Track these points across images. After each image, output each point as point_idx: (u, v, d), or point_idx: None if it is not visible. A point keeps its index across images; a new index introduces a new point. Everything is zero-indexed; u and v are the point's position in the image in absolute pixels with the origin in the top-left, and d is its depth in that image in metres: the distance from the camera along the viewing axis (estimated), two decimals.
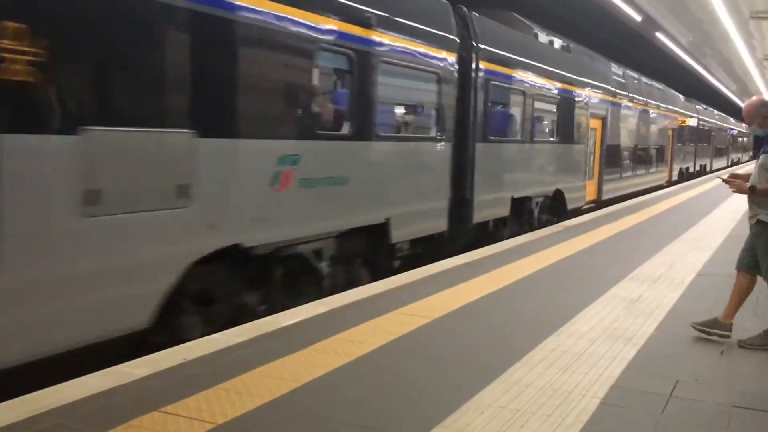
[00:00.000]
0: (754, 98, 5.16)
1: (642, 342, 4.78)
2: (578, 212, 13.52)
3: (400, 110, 8.58)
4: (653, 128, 20.89)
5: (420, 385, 3.87)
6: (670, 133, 23.48)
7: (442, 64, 8.51)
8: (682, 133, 26.23)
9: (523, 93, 11.06)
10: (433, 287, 6.28)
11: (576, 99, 13.52)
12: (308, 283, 6.48)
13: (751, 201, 4.97)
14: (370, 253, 7.45)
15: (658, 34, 19.01)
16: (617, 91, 16.73)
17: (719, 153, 38.61)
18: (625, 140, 17.61)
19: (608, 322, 5.28)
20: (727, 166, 39.94)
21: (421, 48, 7.99)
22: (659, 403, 3.69)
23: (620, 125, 17.12)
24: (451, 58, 8.74)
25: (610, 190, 16.30)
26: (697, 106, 30.58)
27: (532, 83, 11.38)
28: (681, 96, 26.95)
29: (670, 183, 23.67)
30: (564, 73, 13.01)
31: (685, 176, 26.78)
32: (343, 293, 6.10)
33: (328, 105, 6.90)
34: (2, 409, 3.37)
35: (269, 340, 4.65)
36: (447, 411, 3.47)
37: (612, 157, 16.44)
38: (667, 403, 3.68)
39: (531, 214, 11.61)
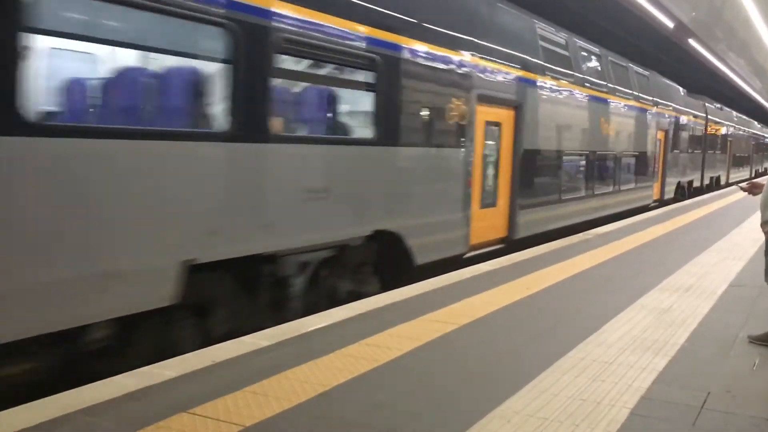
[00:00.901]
0: None
1: (672, 353, 4.70)
2: (453, 265, 7.89)
3: None
4: (628, 129, 14.90)
5: (446, 392, 3.86)
6: (660, 136, 17.34)
7: None
8: (681, 137, 19.67)
9: (232, 30, 5.01)
10: (460, 294, 6.27)
11: (431, 65, 7.64)
12: None
13: (764, 206, 4.95)
14: None
15: (691, 41, 18.79)
16: (549, 66, 10.83)
17: (739, 162, 32.51)
18: (568, 144, 11.76)
19: (638, 331, 5.21)
20: (750, 178, 33.08)
21: None
22: (690, 415, 3.62)
23: (557, 121, 11.25)
24: None
25: (536, 221, 10.43)
26: (707, 105, 24.10)
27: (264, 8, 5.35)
28: (681, 89, 20.64)
29: (662, 202, 18.02)
30: (385, 12, 6.91)
31: (687, 193, 20.91)
32: (369, 298, 6.12)
33: None
34: (36, 406, 3.46)
35: (296, 343, 4.68)
36: (474, 418, 3.46)
37: (538, 171, 10.66)
38: (699, 416, 3.62)
39: (283, 290, 5.85)
